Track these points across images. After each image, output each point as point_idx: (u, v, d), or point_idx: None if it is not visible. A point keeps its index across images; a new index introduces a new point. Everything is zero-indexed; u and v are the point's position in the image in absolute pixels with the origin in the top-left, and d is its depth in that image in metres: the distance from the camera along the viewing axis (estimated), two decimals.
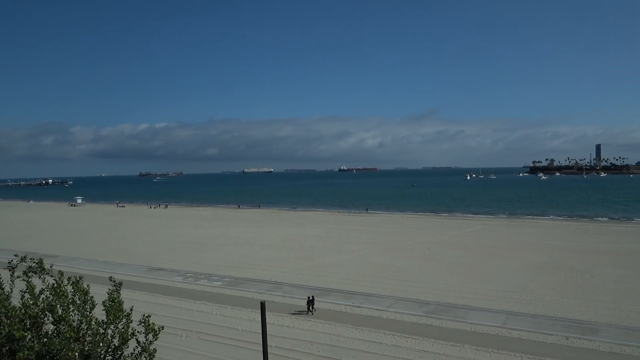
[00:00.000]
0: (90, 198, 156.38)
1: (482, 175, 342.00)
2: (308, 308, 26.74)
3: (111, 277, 7.69)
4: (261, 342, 14.09)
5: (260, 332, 13.96)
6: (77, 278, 7.00)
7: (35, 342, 6.07)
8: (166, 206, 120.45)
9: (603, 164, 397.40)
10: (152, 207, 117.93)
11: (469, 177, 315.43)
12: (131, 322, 6.84)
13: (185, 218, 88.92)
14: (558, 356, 19.94)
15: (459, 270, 37.56)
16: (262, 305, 14.16)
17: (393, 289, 31.78)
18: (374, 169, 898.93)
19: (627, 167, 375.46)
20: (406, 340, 22.17)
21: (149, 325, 6.62)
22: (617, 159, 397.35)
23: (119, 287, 7.05)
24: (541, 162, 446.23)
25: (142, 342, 6.62)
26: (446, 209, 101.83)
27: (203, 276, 36.88)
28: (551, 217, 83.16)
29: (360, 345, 21.75)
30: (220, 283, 34.48)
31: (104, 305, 6.71)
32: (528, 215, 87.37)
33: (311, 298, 27.09)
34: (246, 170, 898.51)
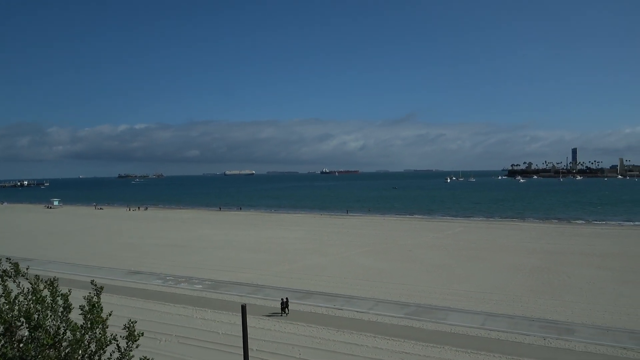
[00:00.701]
0: (67, 200, 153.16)
1: (462, 178, 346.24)
2: (282, 310, 26.91)
3: (93, 280, 7.54)
4: (242, 346, 14.01)
5: (241, 335, 13.89)
6: (52, 279, 6.84)
7: (9, 347, 5.93)
8: (146, 208, 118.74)
9: (579, 167, 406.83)
10: (132, 210, 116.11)
11: (449, 180, 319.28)
12: (107, 328, 6.71)
13: (166, 220, 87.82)
14: (535, 356, 20.32)
15: (439, 272, 37.97)
16: (243, 308, 14.10)
17: (374, 291, 31.94)
18: (355, 171, 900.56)
19: (601, 170, 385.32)
20: (387, 342, 22.31)
21: (131, 332, 6.50)
22: (592, 163, 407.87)
23: (100, 292, 6.92)
24: (519, 165, 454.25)
25: (122, 348, 6.50)
26: (427, 212, 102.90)
27: (183, 279, 36.46)
28: (529, 219, 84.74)
29: (342, 347, 21.80)
30: (200, 286, 34.14)
31: (82, 311, 6.58)
32: (506, 217, 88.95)
33: (285, 300, 27.18)
34: (227, 172, 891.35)
